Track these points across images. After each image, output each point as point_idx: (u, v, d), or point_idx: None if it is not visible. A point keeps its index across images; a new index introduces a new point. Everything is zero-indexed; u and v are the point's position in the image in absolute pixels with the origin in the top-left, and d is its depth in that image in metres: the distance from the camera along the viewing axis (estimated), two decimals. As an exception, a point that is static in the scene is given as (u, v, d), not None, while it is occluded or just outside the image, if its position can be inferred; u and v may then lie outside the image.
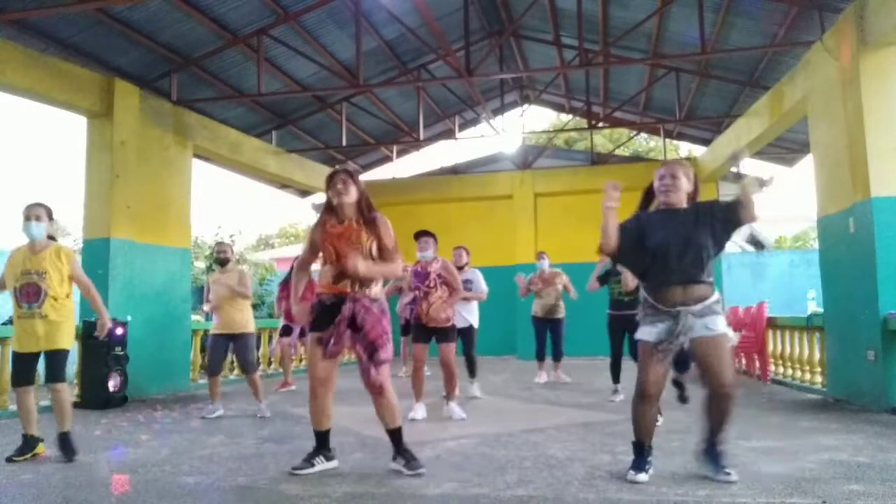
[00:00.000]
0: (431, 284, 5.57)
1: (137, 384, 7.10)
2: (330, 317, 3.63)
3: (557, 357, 8.36)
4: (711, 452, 3.45)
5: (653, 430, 3.53)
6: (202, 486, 3.49)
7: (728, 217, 3.41)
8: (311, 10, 7.90)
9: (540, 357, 8.42)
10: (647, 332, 3.44)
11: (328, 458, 3.81)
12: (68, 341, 4.27)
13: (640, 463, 3.47)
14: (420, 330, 5.66)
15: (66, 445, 4.15)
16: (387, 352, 3.64)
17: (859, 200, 6.05)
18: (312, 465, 3.73)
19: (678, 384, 5.20)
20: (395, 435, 3.73)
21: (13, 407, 6.01)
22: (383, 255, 3.69)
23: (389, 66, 10.20)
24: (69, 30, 6.86)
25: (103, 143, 7.51)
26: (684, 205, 3.52)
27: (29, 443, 4.21)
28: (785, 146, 11.28)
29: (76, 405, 6.53)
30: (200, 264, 14.78)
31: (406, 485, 3.44)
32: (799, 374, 7.40)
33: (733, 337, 3.45)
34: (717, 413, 3.40)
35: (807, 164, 11.37)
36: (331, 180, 3.72)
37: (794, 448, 4.17)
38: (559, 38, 10.20)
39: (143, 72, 7.94)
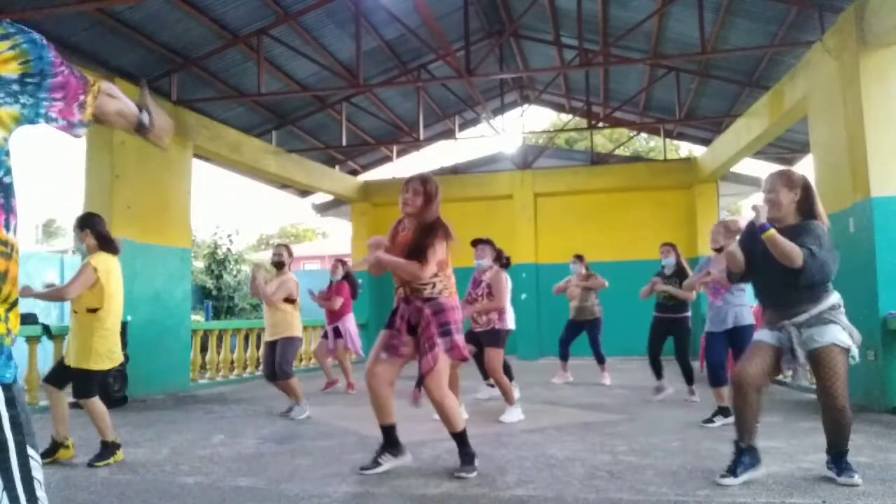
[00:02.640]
0: (480, 293, 5.64)
1: (137, 384, 7.10)
2: (395, 318, 3.71)
3: (598, 360, 8.15)
4: (835, 461, 3.36)
5: (754, 420, 3.34)
6: (202, 486, 3.49)
7: None
8: (311, 10, 7.89)
9: (562, 357, 8.28)
10: (763, 334, 3.44)
11: (395, 455, 3.71)
12: (93, 362, 4.03)
13: (735, 465, 3.34)
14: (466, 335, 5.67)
15: (98, 454, 4.03)
16: (428, 360, 3.51)
17: (859, 200, 6.05)
18: (379, 465, 3.66)
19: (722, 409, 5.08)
20: (456, 438, 3.68)
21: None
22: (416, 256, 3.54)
23: (389, 66, 10.20)
24: (69, 30, 6.86)
25: (103, 143, 7.50)
26: (791, 219, 3.37)
27: (54, 446, 4.12)
28: (785, 146, 11.29)
29: (76, 405, 6.53)
30: (199, 264, 14.79)
31: (406, 485, 3.44)
32: (799, 374, 7.39)
33: (850, 343, 3.26)
34: (827, 426, 3.32)
35: (807, 164, 11.38)
36: (403, 187, 3.68)
37: (794, 448, 4.17)
38: (559, 38, 10.20)
39: (143, 72, 7.93)
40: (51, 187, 54.69)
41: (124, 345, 6.86)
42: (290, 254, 6.21)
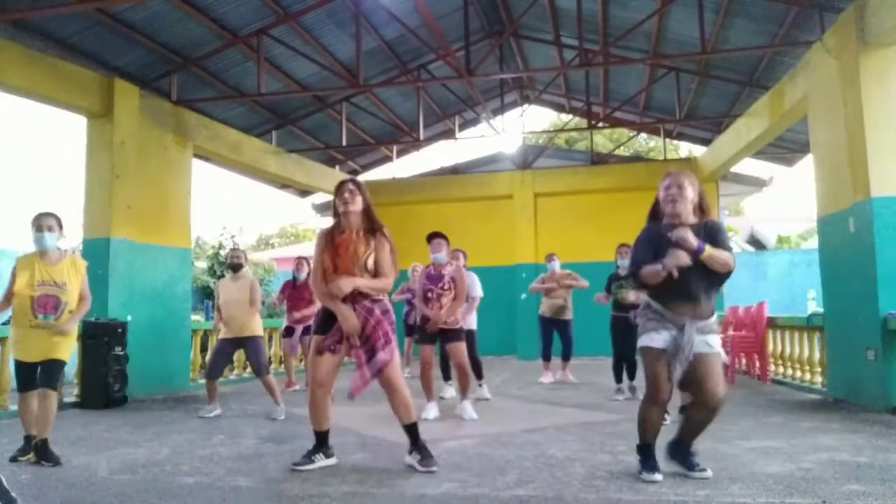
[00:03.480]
0: (445, 287, 5.60)
1: (137, 384, 7.10)
2: (332, 321, 3.72)
3: (566, 357, 8.36)
4: (683, 453, 3.51)
5: (658, 431, 3.54)
6: (202, 486, 3.49)
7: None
8: (311, 10, 7.89)
9: (545, 357, 8.42)
10: (653, 339, 3.45)
11: (328, 456, 3.90)
12: (69, 352, 4.25)
13: (652, 464, 3.48)
14: (427, 332, 5.68)
15: (46, 453, 4.06)
16: (386, 353, 3.66)
17: (859, 200, 6.05)
18: (313, 462, 3.81)
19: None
20: (411, 430, 3.79)
21: (14, 407, 6.02)
22: (378, 269, 3.72)
23: (389, 66, 10.20)
24: (69, 30, 6.86)
25: (103, 143, 7.50)
26: (692, 218, 3.50)
27: (31, 443, 4.22)
28: (785, 146, 11.28)
29: (76, 405, 6.56)
30: (202, 265, 14.75)
31: (406, 485, 3.44)
32: (799, 374, 7.40)
33: (724, 357, 3.53)
34: (699, 423, 3.48)
35: (807, 164, 11.37)
36: (339, 189, 3.80)
37: (794, 448, 4.17)
38: (559, 38, 10.20)
39: (143, 72, 7.94)
40: (50, 187, 54.67)
41: (124, 345, 6.90)
42: (247, 257, 6.49)
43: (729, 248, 3.42)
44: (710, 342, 3.39)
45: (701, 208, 3.55)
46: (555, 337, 8.40)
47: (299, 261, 8.09)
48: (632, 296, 6.32)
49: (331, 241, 3.77)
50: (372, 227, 3.78)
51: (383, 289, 3.75)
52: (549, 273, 8.48)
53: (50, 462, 4.03)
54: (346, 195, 3.74)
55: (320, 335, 3.77)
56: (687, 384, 3.51)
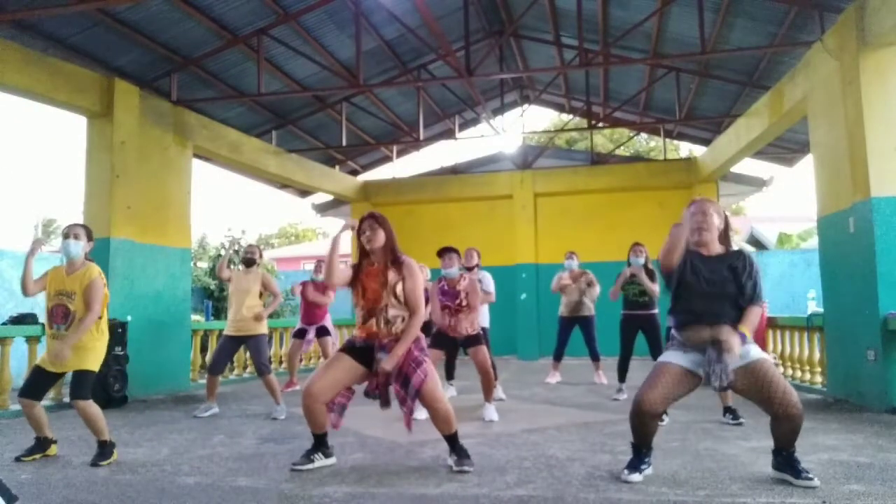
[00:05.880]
0: (463, 304, 5.60)
1: (137, 384, 7.10)
2: (359, 354, 3.77)
3: (594, 357, 8.13)
4: (789, 461, 3.35)
5: (652, 436, 3.51)
6: (202, 486, 3.49)
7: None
8: (311, 10, 7.89)
9: (556, 357, 8.31)
10: (671, 356, 3.45)
11: (327, 455, 3.91)
12: (95, 363, 4.21)
13: (635, 463, 3.48)
14: (443, 338, 5.67)
15: (103, 454, 4.10)
16: (419, 374, 3.67)
17: (859, 200, 6.05)
18: (312, 462, 3.83)
19: (730, 409, 5.16)
20: (449, 439, 3.82)
21: (14, 407, 6.02)
22: (408, 302, 3.75)
23: (389, 66, 10.20)
24: (69, 30, 6.86)
25: (103, 143, 7.50)
26: (717, 245, 3.51)
27: (41, 444, 4.24)
28: (785, 146, 11.28)
29: (69, 406, 6.54)
30: (204, 265, 14.73)
31: (406, 484, 3.44)
32: (799, 374, 7.40)
33: (770, 358, 3.44)
34: (787, 432, 3.31)
35: (807, 164, 11.37)
36: (360, 226, 3.87)
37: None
38: (559, 38, 10.20)
39: (143, 72, 7.93)
40: (51, 187, 54.73)
41: (124, 345, 6.90)
42: (261, 254, 6.50)
43: (759, 293, 3.42)
44: (742, 355, 3.27)
45: (726, 235, 3.55)
46: (577, 338, 8.19)
47: (318, 264, 8.36)
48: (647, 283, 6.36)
49: (360, 270, 3.86)
50: (396, 259, 3.81)
51: (416, 332, 3.76)
52: (568, 271, 8.28)
53: (99, 459, 4.04)
54: (368, 233, 3.81)
55: (343, 352, 3.82)
56: (761, 406, 3.36)
